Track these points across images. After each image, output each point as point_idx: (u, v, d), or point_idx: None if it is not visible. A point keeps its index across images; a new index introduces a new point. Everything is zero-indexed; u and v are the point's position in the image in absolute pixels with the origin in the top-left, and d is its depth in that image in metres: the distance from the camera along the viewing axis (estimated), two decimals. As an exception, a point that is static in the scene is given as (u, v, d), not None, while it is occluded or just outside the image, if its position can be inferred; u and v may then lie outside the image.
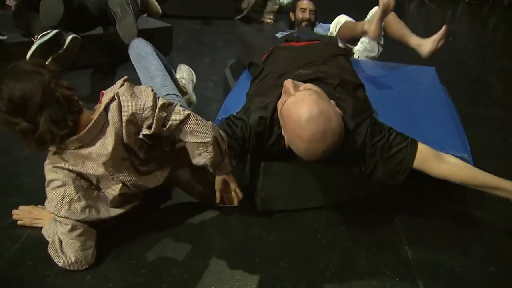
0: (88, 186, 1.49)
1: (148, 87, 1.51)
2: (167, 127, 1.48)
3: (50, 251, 1.49)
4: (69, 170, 1.44)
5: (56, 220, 1.48)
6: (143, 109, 1.44)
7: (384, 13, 2.33)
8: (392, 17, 2.60)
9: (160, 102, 1.47)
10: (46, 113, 1.30)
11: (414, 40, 2.57)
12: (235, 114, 1.78)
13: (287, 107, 1.48)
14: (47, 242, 1.53)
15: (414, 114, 2.13)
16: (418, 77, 2.65)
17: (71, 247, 1.46)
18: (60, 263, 1.47)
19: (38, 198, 1.77)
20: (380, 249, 1.72)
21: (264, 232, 1.75)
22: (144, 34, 3.00)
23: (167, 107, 1.49)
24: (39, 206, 1.69)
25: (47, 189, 1.47)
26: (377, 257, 1.67)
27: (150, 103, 1.44)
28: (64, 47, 2.77)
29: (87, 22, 3.14)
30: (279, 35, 2.78)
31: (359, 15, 2.97)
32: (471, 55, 4.59)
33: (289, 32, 2.83)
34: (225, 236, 1.72)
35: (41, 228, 1.61)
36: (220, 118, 1.91)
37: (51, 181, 1.45)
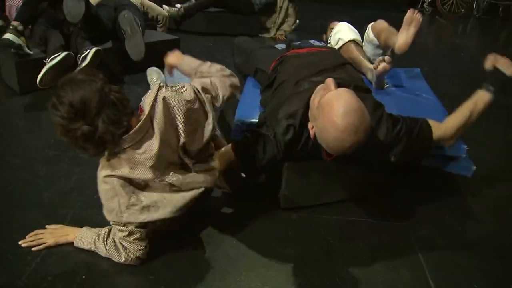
0: (139, 189, 1.55)
1: (180, 84, 1.61)
2: (220, 101, 1.73)
3: (109, 251, 1.59)
4: (119, 177, 1.49)
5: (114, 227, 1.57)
6: (192, 101, 1.57)
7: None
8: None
9: (198, 86, 1.64)
10: (104, 114, 1.38)
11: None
12: (255, 128, 1.88)
13: (329, 97, 1.59)
14: (73, 253, 1.59)
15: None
16: (404, 78, 2.79)
17: (130, 247, 1.57)
18: (121, 259, 1.58)
19: (57, 212, 1.82)
20: (397, 265, 1.72)
21: (280, 247, 1.76)
22: (152, 47, 3.07)
23: (207, 88, 1.69)
24: (51, 226, 1.72)
25: (102, 200, 1.53)
26: (394, 273, 1.67)
27: (192, 94, 1.59)
28: (88, 61, 2.83)
29: (101, 34, 3.22)
30: (278, 47, 2.87)
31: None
32: (481, 70, 4.58)
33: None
34: (241, 251, 1.73)
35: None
36: (237, 123, 2.12)
37: (104, 192, 1.51)
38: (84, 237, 1.65)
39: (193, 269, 1.62)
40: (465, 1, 7.71)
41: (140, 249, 1.59)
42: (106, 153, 1.50)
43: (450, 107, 2.88)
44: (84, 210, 1.86)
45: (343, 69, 2.08)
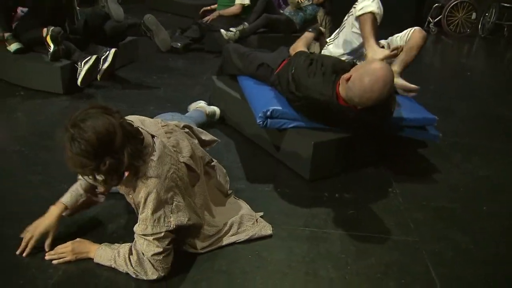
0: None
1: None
2: None
3: (135, 268, 1.61)
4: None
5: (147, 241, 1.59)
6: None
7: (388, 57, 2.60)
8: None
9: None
10: (129, 147, 1.42)
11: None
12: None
13: (373, 60, 2.23)
14: (94, 269, 1.62)
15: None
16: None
17: (158, 265, 1.60)
18: (148, 276, 1.61)
19: (78, 230, 1.87)
20: (410, 281, 1.75)
21: (294, 263, 1.80)
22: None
23: None
24: (75, 240, 1.76)
25: (147, 213, 1.56)
26: (406, 288, 1.70)
27: None
28: (109, 62, 3.37)
29: (89, 38, 3.64)
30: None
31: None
32: (488, 90, 4.64)
33: None
34: (255, 268, 1.77)
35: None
36: (261, 115, 2.39)
37: (151, 204, 1.55)
38: (103, 255, 1.68)
39: (210, 284, 1.66)
40: (471, 21, 7.79)
41: (166, 267, 1.63)
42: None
43: (459, 127, 2.95)
44: (103, 225, 1.92)
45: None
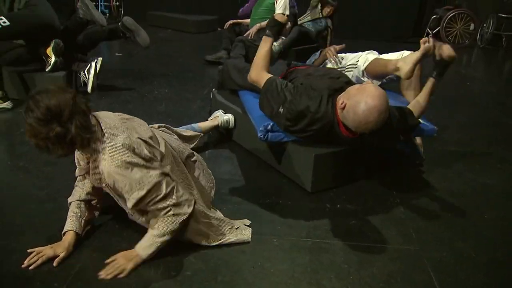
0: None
1: None
2: None
3: (174, 226, 1.76)
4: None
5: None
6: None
7: (424, 57, 2.54)
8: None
9: None
10: (76, 119, 1.57)
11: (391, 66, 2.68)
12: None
13: (368, 85, 2.11)
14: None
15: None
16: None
17: (173, 218, 1.77)
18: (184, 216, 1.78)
19: (82, 243, 1.87)
20: (412, 289, 1.75)
21: (297, 273, 1.81)
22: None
23: None
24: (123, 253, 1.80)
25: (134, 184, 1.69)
26: (409, 297, 1.71)
27: None
28: (98, 68, 3.74)
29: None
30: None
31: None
32: (488, 99, 4.67)
33: None
34: (258, 279, 1.78)
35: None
36: (262, 129, 2.41)
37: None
38: (145, 246, 1.77)
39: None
40: (469, 32, 7.85)
41: (183, 209, 1.78)
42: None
43: (460, 136, 2.97)
44: (108, 238, 1.93)
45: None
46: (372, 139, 2.28)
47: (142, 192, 1.68)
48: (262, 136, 2.42)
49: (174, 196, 1.75)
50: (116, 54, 5.98)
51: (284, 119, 2.32)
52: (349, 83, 2.41)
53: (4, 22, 3.24)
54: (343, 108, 2.13)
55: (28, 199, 2.20)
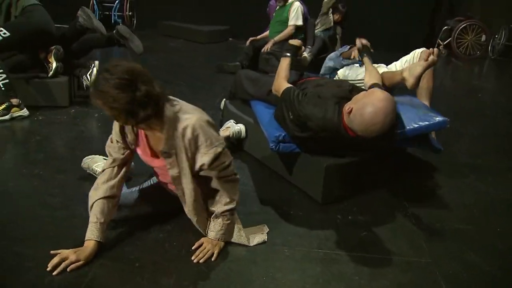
0: None
1: None
2: None
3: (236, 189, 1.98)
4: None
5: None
6: None
7: (428, 67, 2.54)
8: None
9: None
10: (154, 83, 1.68)
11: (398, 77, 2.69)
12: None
13: (376, 90, 2.19)
14: None
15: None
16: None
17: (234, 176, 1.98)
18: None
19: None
20: (424, 302, 1.74)
21: (308, 285, 1.81)
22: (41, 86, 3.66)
23: None
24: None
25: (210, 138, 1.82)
26: (421, 310, 1.70)
27: None
28: (96, 71, 3.81)
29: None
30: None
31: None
32: (500, 110, 4.65)
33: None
34: (271, 288, 1.78)
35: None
36: (273, 139, 2.43)
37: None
38: (222, 234, 1.95)
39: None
40: (480, 43, 7.83)
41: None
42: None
43: (471, 147, 2.96)
44: (120, 247, 1.94)
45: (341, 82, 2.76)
46: (379, 142, 2.30)
47: (219, 149, 1.81)
48: (273, 146, 2.43)
49: (232, 168, 1.93)
50: (129, 63, 6.04)
51: (292, 124, 2.36)
52: (354, 90, 2.43)
53: (5, 34, 3.36)
54: (350, 112, 2.15)
55: (41, 207, 2.22)
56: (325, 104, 2.29)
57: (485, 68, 7.38)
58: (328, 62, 3.20)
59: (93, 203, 1.90)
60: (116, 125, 1.89)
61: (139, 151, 1.98)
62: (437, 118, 2.50)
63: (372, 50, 2.87)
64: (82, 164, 2.54)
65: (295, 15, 5.25)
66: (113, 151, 1.95)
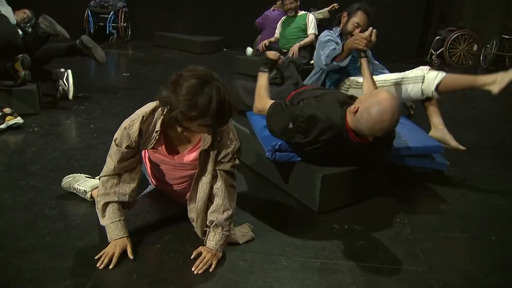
0: None
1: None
2: None
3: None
4: None
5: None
6: None
7: None
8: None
9: None
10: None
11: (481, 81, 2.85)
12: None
13: (379, 90, 2.30)
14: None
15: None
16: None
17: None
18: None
19: (91, 262, 1.89)
20: (421, 310, 1.76)
21: (306, 294, 1.82)
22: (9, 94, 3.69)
23: None
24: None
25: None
26: (418, 318, 1.71)
27: None
28: (71, 79, 4.15)
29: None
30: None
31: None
32: (494, 119, 4.70)
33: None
34: (269, 298, 1.79)
35: None
36: (270, 149, 2.47)
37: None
38: (221, 245, 1.96)
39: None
40: (472, 53, 7.92)
41: None
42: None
43: (466, 156, 2.99)
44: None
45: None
46: (379, 148, 2.38)
47: (238, 144, 1.99)
48: (269, 155, 2.45)
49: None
50: (124, 74, 6.07)
51: (295, 132, 2.36)
52: (353, 98, 2.46)
53: None
54: (356, 111, 2.19)
55: (39, 218, 2.22)
56: (328, 106, 2.35)
57: (478, 77, 7.46)
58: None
59: (108, 202, 1.94)
60: (135, 126, 1.90)
61: (150, 152, 2.03)
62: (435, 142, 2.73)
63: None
64: (62, 184, 2.47)
65: (313, 25, 5.45)
66: (124, 156, 1.93)
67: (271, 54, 2.83)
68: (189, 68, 1.75)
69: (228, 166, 1.97)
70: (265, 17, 6.21)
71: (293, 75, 4.05)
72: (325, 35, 3.34)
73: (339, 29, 3.41)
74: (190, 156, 1.98)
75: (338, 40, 3.28)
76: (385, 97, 2.14)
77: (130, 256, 1.89)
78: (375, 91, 2.29)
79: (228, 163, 1.97)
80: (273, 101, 2.53)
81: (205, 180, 1.96)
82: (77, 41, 4.09)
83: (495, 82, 2.69)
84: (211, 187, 1.97)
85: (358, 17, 3.30)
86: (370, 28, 2.89)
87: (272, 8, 6.26)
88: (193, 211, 2.01)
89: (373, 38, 2.88)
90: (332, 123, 2.28)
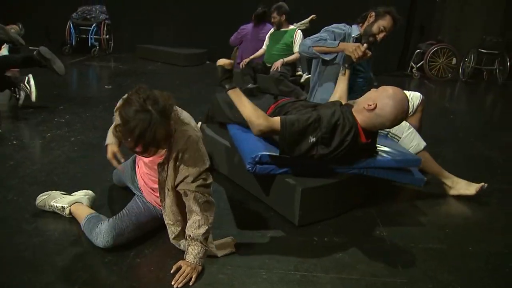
0: None
1: None
2: None
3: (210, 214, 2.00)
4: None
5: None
6: None
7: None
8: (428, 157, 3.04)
9: None
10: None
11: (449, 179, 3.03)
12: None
13: (383, 86, 2.41)
14: None
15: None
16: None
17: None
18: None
19: (70, 275, 1.87)
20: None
21: (286, 307, 1.82)
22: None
23: None
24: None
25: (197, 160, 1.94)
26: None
27: None
28: (33, 84, 4.15)
29: None
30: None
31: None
32: (471, 131, 4.78)
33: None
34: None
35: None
36: (250, 161, 2.45)
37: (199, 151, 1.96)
38: (200, 258, 1.96)
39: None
40: (451, 66, 8.07)
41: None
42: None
43: (444, 167, 3.04)
44: (97, 273, 1.93)
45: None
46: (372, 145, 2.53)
47: (204, 166, 1.94)
48: (250, 168, 2.45)
49: (211, 190, 2.00)
50: (106, 86, 6.05)
51: (319, 144, 2.35)
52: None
53: None
54: (373, 108, 2.34)
55: (17, 233, 2.19)
56: (334, 106, 2.46)
57: (457, 90, 7.59)
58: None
59: None
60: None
61: None
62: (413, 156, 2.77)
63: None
64: (36, 202, 2.39)
65: (300, 43, 5.47)
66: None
67: (222, 61, 2.42)
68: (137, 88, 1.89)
69: (193, 187, 1.92)
70: (240, 31, 6.25)
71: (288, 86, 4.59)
72: (337, 26, 3.24)
73: (360, 27, 3.26)
74: (155, 159, 2.01)
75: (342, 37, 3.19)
76: (396, 90, 2.35)
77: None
78: (382, 88, 2.40)
79: (192, 184, 1.92)
80: (278, 118, 2.39)
81: (169, 194, 2.01)
82: (35, 52, 4.06)
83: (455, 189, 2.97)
84: (178, 204, 2.02)
85: (386, 21, 3.12)
86: (368, 51, 2.86)
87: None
88: (166, 219, 2.08)
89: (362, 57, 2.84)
90: (350, 122, 2.36)
